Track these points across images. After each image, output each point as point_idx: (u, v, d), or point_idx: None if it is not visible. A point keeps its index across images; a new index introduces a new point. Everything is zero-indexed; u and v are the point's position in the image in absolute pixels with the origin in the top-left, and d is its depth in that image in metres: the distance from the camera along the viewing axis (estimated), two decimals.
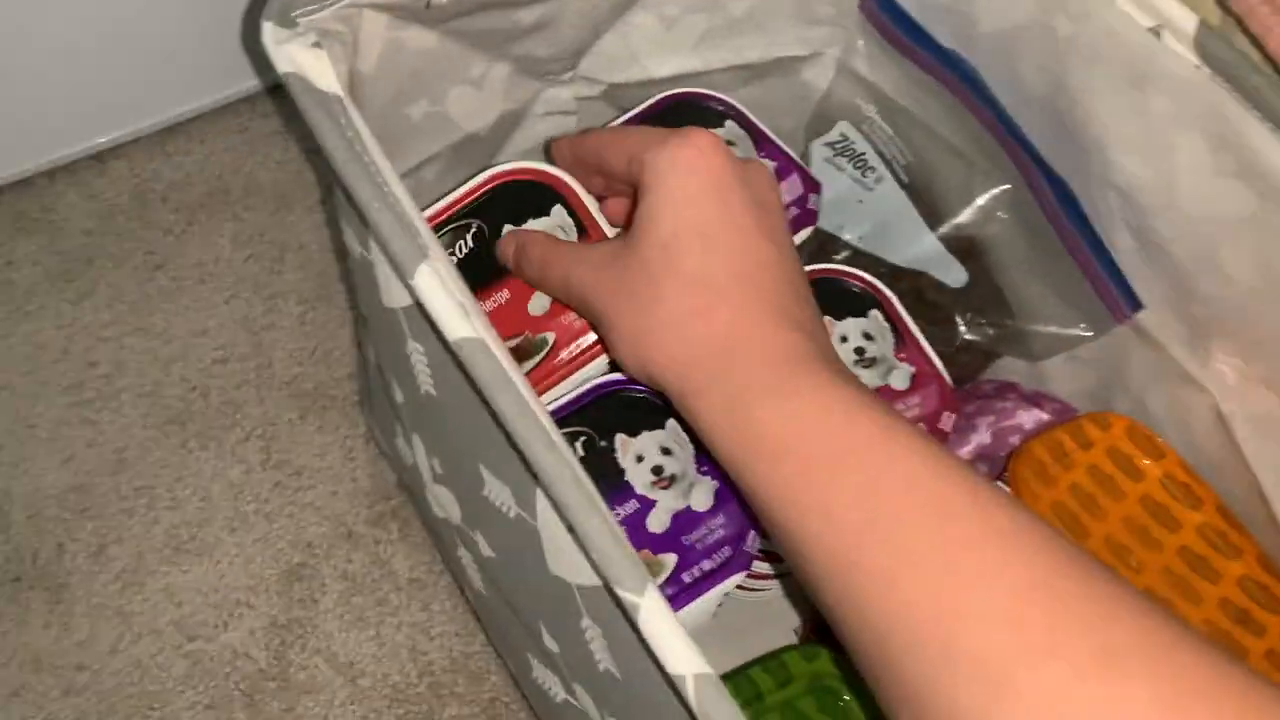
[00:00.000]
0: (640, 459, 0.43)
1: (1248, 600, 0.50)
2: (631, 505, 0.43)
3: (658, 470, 0.43)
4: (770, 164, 0.53)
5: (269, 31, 0.38)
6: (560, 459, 0.31)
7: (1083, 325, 0.54)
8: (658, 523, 0.42)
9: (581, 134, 0.47)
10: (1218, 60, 0.41)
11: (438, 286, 0.34)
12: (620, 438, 0.43)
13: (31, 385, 0.61)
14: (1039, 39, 0.48)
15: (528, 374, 0.45)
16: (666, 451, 0.43)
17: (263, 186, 0.67)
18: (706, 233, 0.37)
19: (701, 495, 0.43)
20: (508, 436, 0.32)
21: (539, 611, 0.41)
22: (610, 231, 0.48)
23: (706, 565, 0.42)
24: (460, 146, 0.55)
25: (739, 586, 0.49)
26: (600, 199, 0.48)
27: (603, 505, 0.31)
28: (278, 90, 0.70)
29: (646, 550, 0.42)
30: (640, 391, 0.44)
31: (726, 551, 0.42)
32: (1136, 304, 0.51)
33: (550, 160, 0.49)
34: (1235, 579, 0.50)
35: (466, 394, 0.37)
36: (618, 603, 0.30)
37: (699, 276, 0.37)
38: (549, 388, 0.45)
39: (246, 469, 0.60)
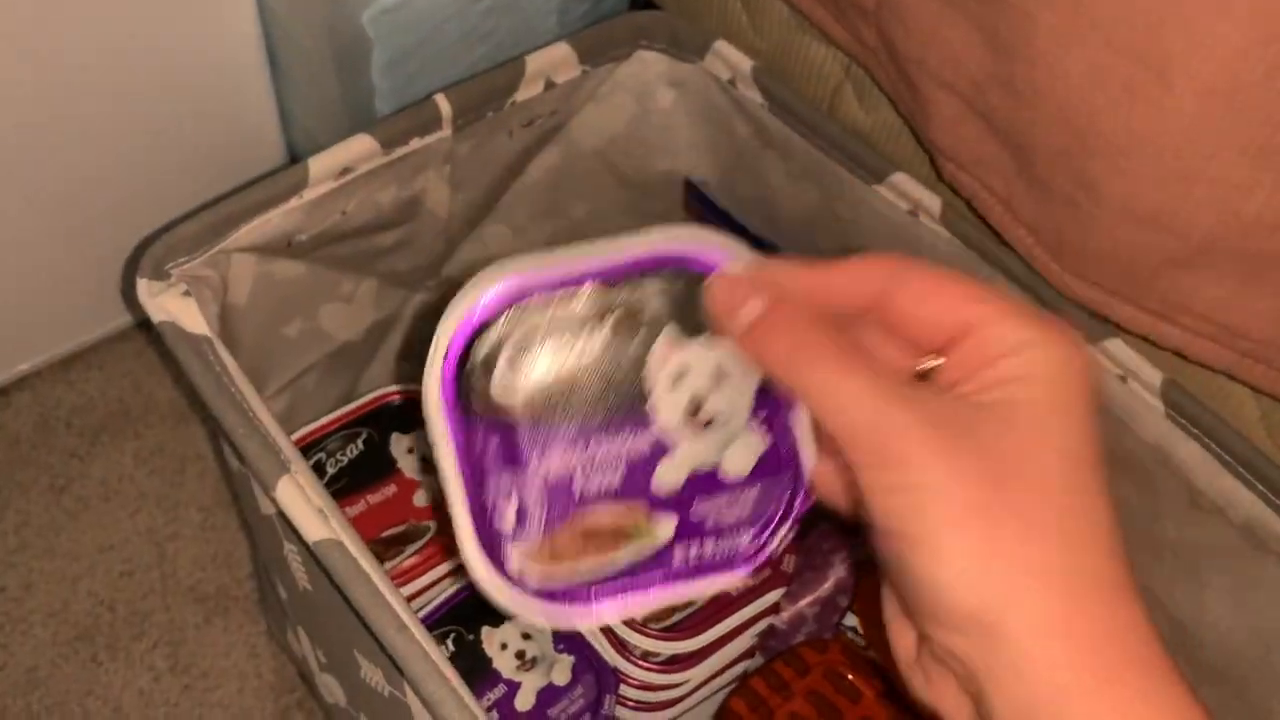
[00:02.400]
0: (504, 646, 0.48)
1: None
2: (500, 690, 0.47)
3: (520, 655, 0.47)
4: None
5: (143, 286, 0.44)
6: (410, 638, 0.36)
7: None
8: (524, 702, 0.47)
9: (817, 269, 0.31)
10: (963, 234, 0.49)
11: (298, 495, 0.39)
12: (485, 629, 0.48)
13: None
14: (828, 223, 0.56)
15: (411, 555, 0.50)
16: (527, 636, 0.48)
17: (161, 404, 0.72)
18: (1085, 476, 0.28)
19: (561, 671, 0.47)
20: (363, 623, 0.37)
21: None
22: None
23: None
24: (336, 354, 0.61)
25: None
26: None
27: (454, 676, 0.36)
28: None
29: None
30: None
31: (587, 718, 0.47)
32: None
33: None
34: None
35: (333, 589, 0.41)
36: None
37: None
38: (433, 567, 0.50)
39: (155, 676, 0.63)
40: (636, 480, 0.32)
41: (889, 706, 0.55)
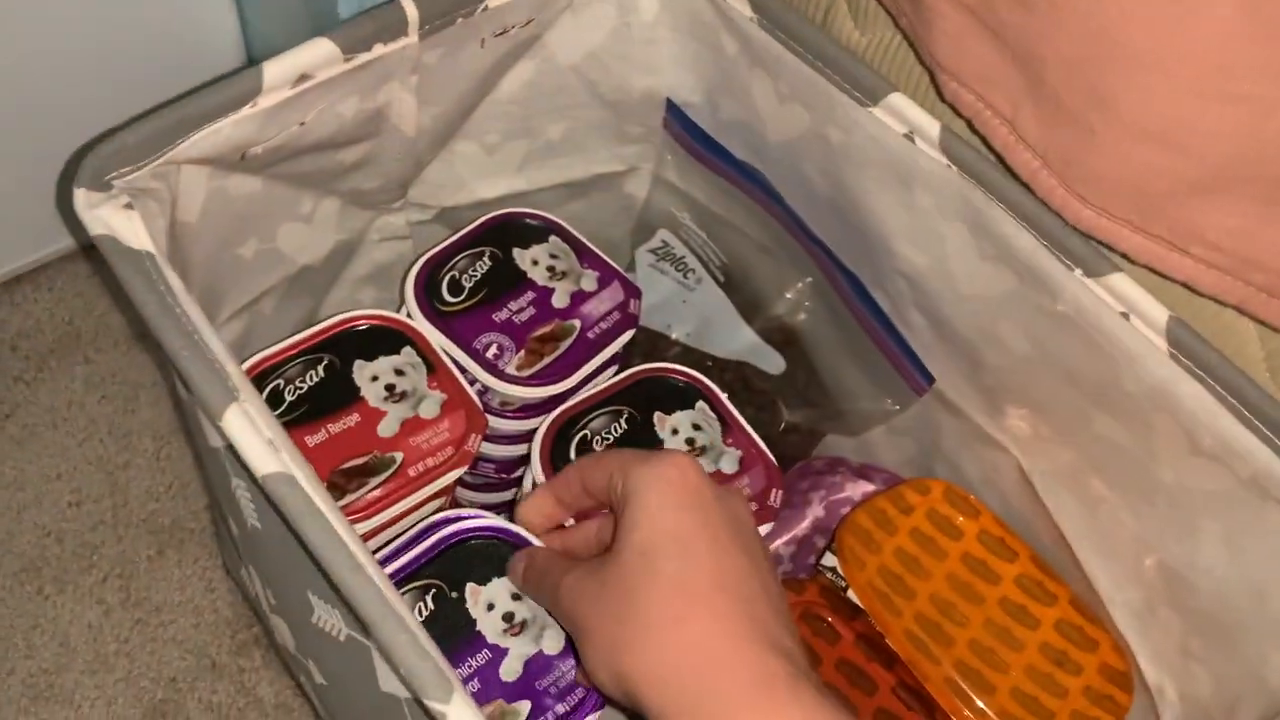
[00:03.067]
0: (491, 607, 0.45)
1: (1065, 642, 0.53)
2: (484, 655, 0.44)
3: (509, 617, 0.45)
4: (593, 274, 0.57)
5: (80, 197, 0.40)
6: (366, 580, 0.33)
7: (889, 400, 0.58)
8: (510, 671, 0.44)
9: (559, 474, 0.46)
10: (961, 159, 0.46)
11: (246, 426, 0.36)
12: (470, 587, 0.45)
13: None
14: (816, 147, 0.53)
15: (375, 488, 0.47)
16: (516, 598, 0.45)
17: (114, 328, 0.69)
18: (685, 540, 0.38)
19: (553, 639, 0.45)
20: (316, 562, 0.34)
21: None
22: (452, 369, 0.51)
23: (560, 709, 0.44)
24: (296, 278, 0.57)
25: None
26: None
27: (409, 616, 0.33)
28: None
29: (500, 700, 0.44)
30: (488, 538, 0.47)
31: (579, 693, 0.44)
32: (929, 377, 0.55)
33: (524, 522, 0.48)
34: (1052, 623, 0.54)
35: (283, 527, 0.39)
36: (428, 714, 0.32)
37: (678, 582, 0.37)
38: (398, 499, 0.48)
39: (106, 609, 0.60)
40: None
41: (868, 648, 0.54)
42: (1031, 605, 0.54)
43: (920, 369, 0.55)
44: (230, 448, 0.39)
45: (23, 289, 0.69)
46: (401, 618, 0.33)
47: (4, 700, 0.57)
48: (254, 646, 0.60)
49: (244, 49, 0.68)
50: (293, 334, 0.60)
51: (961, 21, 0.42)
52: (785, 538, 0.60)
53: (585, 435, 0.52)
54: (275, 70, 0.45)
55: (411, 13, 0.48)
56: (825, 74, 0.50)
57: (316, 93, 0.47)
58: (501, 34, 0.53)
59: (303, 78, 0.46)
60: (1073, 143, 0.41)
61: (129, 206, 0.41)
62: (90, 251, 0.71)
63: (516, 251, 0.57)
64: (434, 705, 0.32)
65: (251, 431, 0.36)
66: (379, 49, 0.48)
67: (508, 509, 0.59)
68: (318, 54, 0.46)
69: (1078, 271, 0.44)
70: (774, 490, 0.52)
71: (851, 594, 0.52)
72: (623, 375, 0.55)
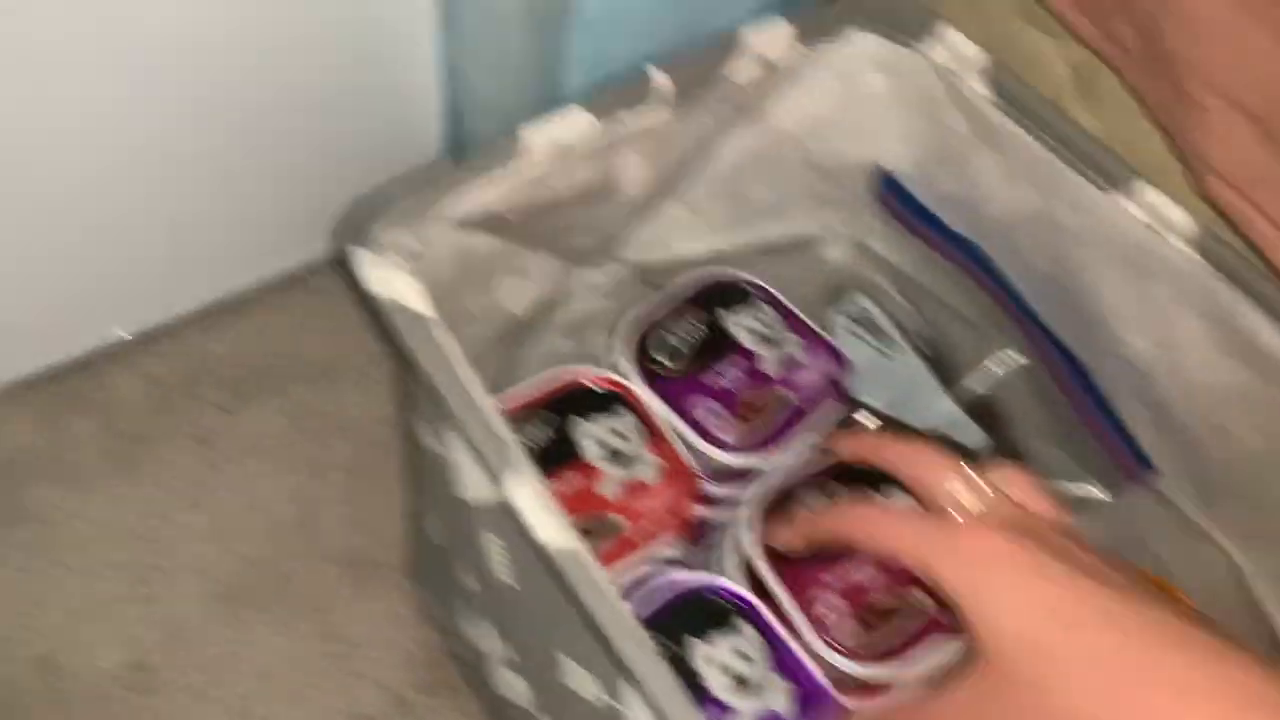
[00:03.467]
0: (714, 663, 0.45)
1: None
2: (712, 713, 0.44)
3: (732, 673, 0.45)
4: (801, 341, 0.57)
5: (363, 258, 0.42)
6: (655, 663, 0.34)
7: (1098, 485, 0.57)
8: None
9: (807, 518, 0.45)
10: (1213, 255, 0.46)
11: (529, 495, 0.37)
12: (693, 642, 0.45)
13: (91, 564, 0.63)
14: (1043, 227, 0.53)
15: (600, 552, 0.48)
16: (742, 656, 0.45)
17: (310, 361, 0.71)
18: (1055, 656, 0.31)
19: (778, 698, 0.45)
20: (600, 638, 0.35)
21: None
22: (669, 434, 0.52)
23: None
24: (507, 328, 0.59)
25: None
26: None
27: (684, 696, 0.34)
28: (324, 267, 0.74)
29: None
30: (714, 594, 0.47)
31: None
32: (1147, 465, 0.54)
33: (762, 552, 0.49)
34: None
35: (551, 590, 0.39)
36: None
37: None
38: (618, 563, 0.48)
39: (299, 639, 0.62)
40: None
41: None
42: None
43: (1138, 455, 0.54)
44: (498, 507, 0.40)
45: (225, 318, 0.72)
46: (680, 694, 0.34)
47: None
48: (442, 686, 0.61)
49: (444, 98, 0.70)
50: (497, 380, 0.61)
51: (1240, 124, 0.42)
52: None
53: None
54: (533, 138, 0.46)
55: (659, 83, 0.49)
56: (1063, 155, 0.50)
57: (565, 160, 0.48)
58: (729, 102, 0.54)
59: (556, 144, 0.47)
60: None
61: (406, 270, 0.43)
62: (289, 284, 0.73)
63: (726, 315, 0.58)
64: None
65: (538, 503, 0.37)
66: (626, 118, 0.49)
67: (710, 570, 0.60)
68: (574, 123, 0.47)
69: None
70: None
71: None
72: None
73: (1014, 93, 0.51)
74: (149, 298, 0.70)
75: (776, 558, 0.49)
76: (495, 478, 0.38)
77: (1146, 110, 0.49)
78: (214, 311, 0.72)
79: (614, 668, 0.36)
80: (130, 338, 0.70)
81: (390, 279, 0.42)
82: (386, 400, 0.70)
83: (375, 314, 0.43)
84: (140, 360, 0.70)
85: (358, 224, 0.44)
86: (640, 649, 0.34)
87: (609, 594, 0.35)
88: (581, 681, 0.41)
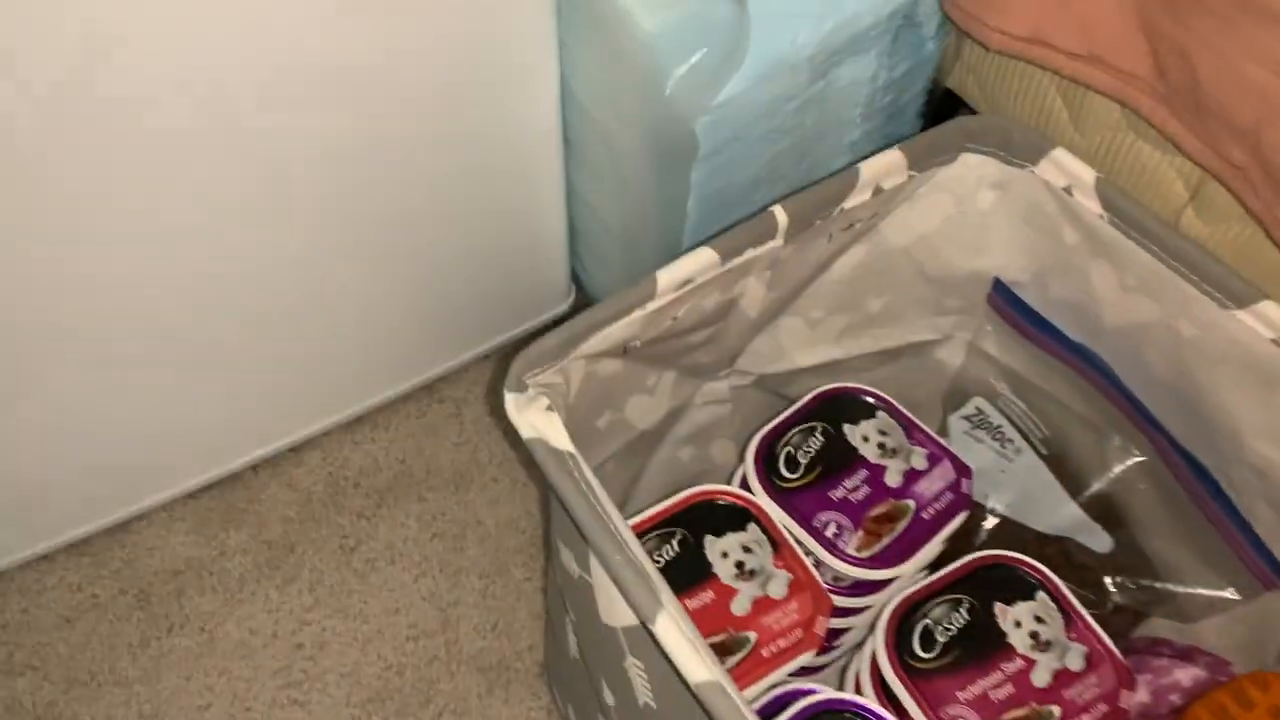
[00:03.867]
0: None
1: None
2: None
3: None
4: (922, 451, 0.58)
5: (511, 401, 0.45)
6: None
7: (1230, 589, 0.57)
8: None
9: None
10: None
11: (675, 633, 0.39)
12: None
13: (246, 669, 0.67)
14: (1164, 338, 0.53)
15: (733, 668, 0.50)
16: None
17: (442, 468, 0.75)
18: None
19: None
20: None
21: None
22: (795, 548, 0.54)
23: None
24: (633, 442, 0.61)
25: None
26: None
27: None
28: (450, 378, 0.78)
29: None
30: (849, 711, 0.48)
31: None
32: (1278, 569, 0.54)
33: None
34: None
35: (693, 715, 0.41)
36: None
37: None
38: (753, 681, 0.50)
39: None
40: None
41: None
42: None
43: (1270, 560, 0.54)
44: (639, 632, 0.42)
45: (362, 429, 0.76)
46: None
47: None
48: None
49: (565, 231, 0.74)
50: (623, 490, 0.64)
51: None
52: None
53: (928, 624, 0.53)
54: (667, 277, 0.49)
55: (782, 220, 0.51)
56: (1182, 273, 0.50)
57: (692, 293, 0.51)
58: (848, 228, 0.56)
59: (686, 282, 0.50)
60: None
61: (550, 409, 0.46)
62: (420, 393, 0.77)
63: (847, 427, 0.59)
64: None
65: (681, 638, 0.39)
66: (750, 253, 0.51)
67: (834, 678, 0.61)
68: (702, 261, 0.50)
69: None
70: (1123, 690, 0.52)
71: None
72: (960, 563, 0.55)
73: (1125, 210, 0.52)
74: (294, 414, 0.75)
75: (910, 672, 0.50)
76: (641, 614, 0.40)
77: (1263, 225, 0.49)
78: (352, 424, 0.76)
79: None
80: (278, 451, 0.74)
81: (536, 419, 0.44)
82: (515, 505, 0.74)
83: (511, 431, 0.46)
84: (287, 471, 0.75)
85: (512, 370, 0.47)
86: None
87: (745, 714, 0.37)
88: None
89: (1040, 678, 0.51)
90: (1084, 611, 0.54)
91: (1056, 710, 0.50)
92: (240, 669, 0.67)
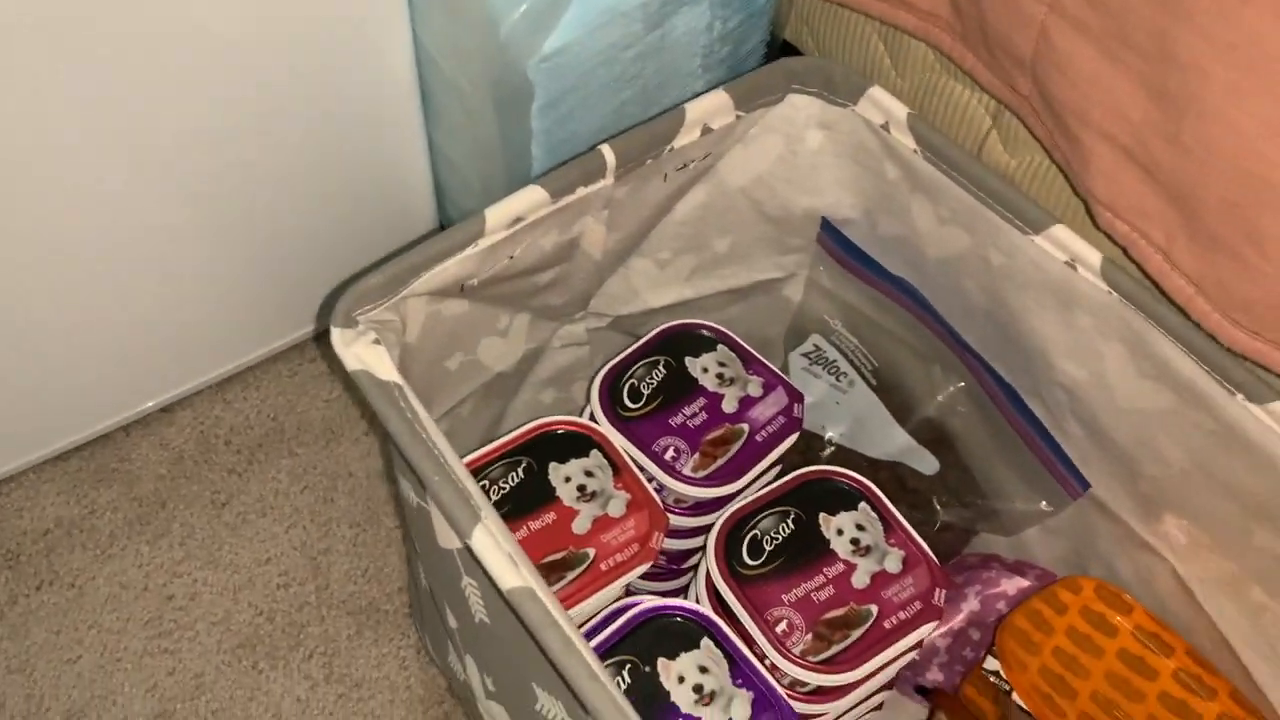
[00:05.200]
0: (681, 679, 0.49)
1: None
2: None
3: (698, 688, 0.49)
4: (758, 380, 0.61)
5: (337, 335, 0.47)
6: (601, 688, 0.38)
7: (1044, 502, 0.60)
8: None
9: None
10: (1121, 286, 0.50)
11: (490, 543, 0.41)
12: (662, 661, 0.50)
13: (116, 622, 0.68)
14: (976, 266, 0.57)
15: (571, 582, 0.52)
16: (704, 670, 0.50)
17: (313, 423, 0.76)
18: None
19: (740, 707, 0.49)
20: (554, 668, 0.39)
21: None
22: (635, 470, 0.56)
23: None
24: (490, 384, 0.63)
25: None
26: None
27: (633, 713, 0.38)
28: (321, 337, 0.79)
29: None
30: (676, 615, 0.51)
31: None
32: (1085, 484, 0.58)
33: None
34: (1214, 717, 0.55)
35: (518, 626, 0.43)
36: None
37: None
38: (591, 594, 0.52)
39: (312, 684, 0.66)
40: None
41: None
42: (1192, 700, 0.56)
43: (1075, 474, 0.58)
44: (471, 557, 0.44)
45: (234, 389, 0.77)
46: (629, 716, 0.38)
47: None
48: None
49: (432, 178, 0.75)
50: (485, 433, 0.66)
51: (1116, 159, 0.46)
52: (941, 631, 0.63)
53: (755, 535, 0.56)
54: (496, 215, 0.51)
55: (610, 159, 0.53)
56: (988, 203, 0.54)
57: (526, 231, 0.53)
58: (682, 168, 0.58)
59: (517, 220, 0.52)
60: (1228, 275, 0.44)
61: (377, 342, 0.47)
62: (291, 353, 0.78)
63: (688, 360, 0.62)
64: None
65: (495, 548, 0.41)
66: (580, 191, 0.53)
67: (678, 596, 0.63)
68: (531, 199, 0.52)
69: (1239, 396, 0.47)
70: (938, 589, 0.55)
71: (1016, 697, 0.55)
72: (788, 478, 0.59)
73: (937, 145, 0.55)
74: (164, 374, 0.75)
75: (738, 579, 0.53)
76: (459, 529, 0.42)
77: (1046, 151, 0.53)
78: (223, 383, 0.77)
79: (574, 700, 0.40)
80: (148, 410, 0.75)
81: (362, 352, 0.46)
82: (384, 457, 0.75)
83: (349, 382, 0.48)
84: (158, 431, 0.75)
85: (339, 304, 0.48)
86: (584, 670, 0.38)
87: (565, 627, 0.39)
88: (552, 709, 0.45)
89: (860, 580, 0.54)
90: (901, 519, 0.57)
91: (874, 608, 0.53)
92: (110, 621, 0.68)
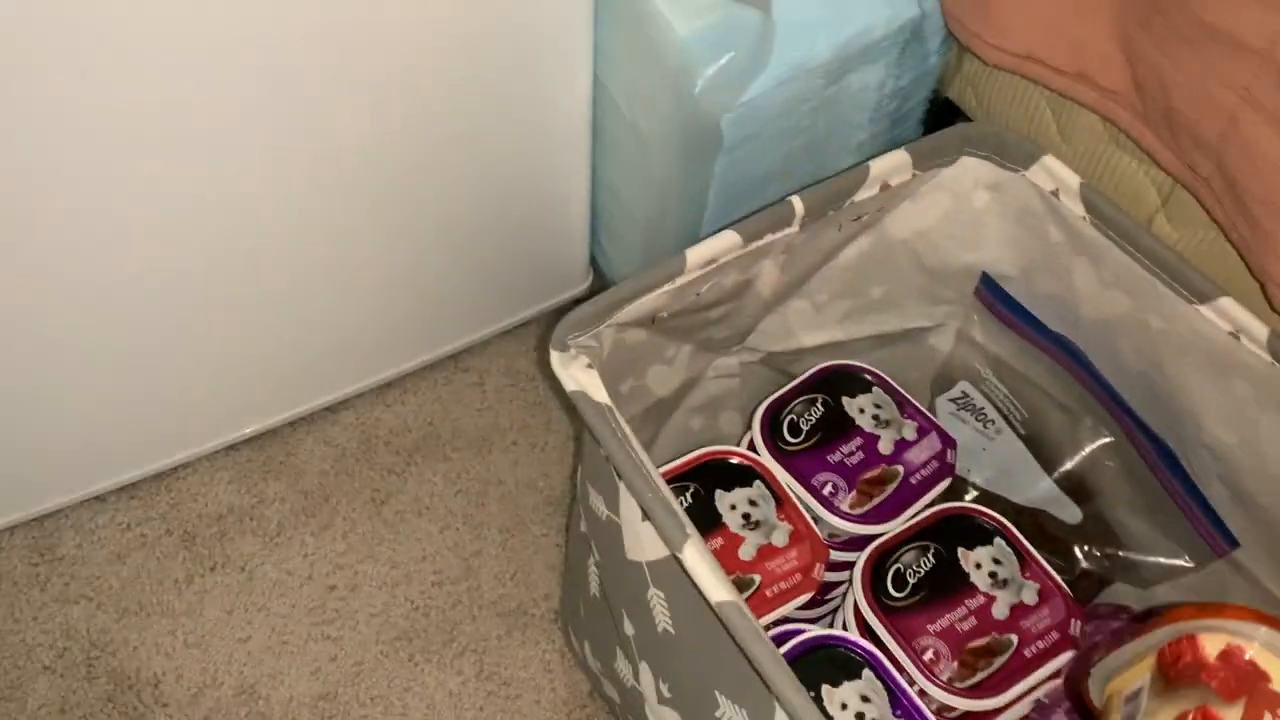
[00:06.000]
0: (844, 706, 0.52)
1: None
2: None
3: (859, 717, 0.52)
4: (913, 424, 0.65)
5: (556, 358, 0.51)
6: (805, 700, 0.41)
7: (1185, 557, 0.63)
8: None
9: None
10: None
11: (700, 559, 0.45)
12: (826, 689, 0.53)
13: (283, 606, 0.73)
14: (1135, 329, 0.60)
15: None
16: (865, 699, 0.53)
17: (466, 431, 0.80)
18: None
19: None
20: (758, 674, 0.43)
21: None
22: (796, 503, 0.60)
23: None
24: (651, 408, 0.67)
25: None
26: None
27: None
28: (473, 350, 0.84)
29: None
30: (839, 645, 0.54)
31: None
32: (1233, 542, 0.60)
33: None
34: None
35: (709, 636, 0.47)
36: None
37: None
38: (757, 619, 0.56)
39: (463, 680, 0.71)
40: None
41: None
42: None
43: (1223, 531, 0.60)
44: (665, 563, 0.48)
45: (393, 393, 0.82)
46: None
47: None
48: None
49: (589, 218, 0.80)
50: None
51: None
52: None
53: (899, 568, 0.59)
54: (695, 255, 0.55)
55: (799, 209, 0.57)
56: (1153, 271, 0.57)
57: (715, 271, 0.57)
58: (856, 219, 0.62)
59: (711, 261, 0.56)
60: None
61: (590, 366, 0.52)
62: (447, 362, 0.83)
63: (845, 400, 0.65)
64: None
65: (704, 563, 0.45)
66: (769, 237, 0.57)
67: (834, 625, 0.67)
68: (726, 243, 0.56)
69: None
70: (1074, 620, 0.58)
71: None
72: (928, 513, 0.62)
73: (1105, 213, 0.58)
74: (331, 376, 0.80)
75: (885, 610, 0.57)
76: (671, 545, 0.46)
77: (1224, 231, 0.56)
78: (383, 388, 0.82)
79: (768, 700, 0.44)
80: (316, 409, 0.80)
81: (578, 375, 0.50)
82: (533, 467, 0.79)
83: (564, 399, 0.52)
84: (323, 429, 0.80)
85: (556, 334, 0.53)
86: (791, 682, 0.42)
87: (764, 638, 0.43)
88: (734, 715, 0.49)
89: (999, 611, 0.57)
90: (1036, 554, 0.60)
91: (1014, 638, 0.56)
92: (278, 605, 0.73)
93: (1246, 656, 0.44)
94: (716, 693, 0.49)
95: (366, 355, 0.81)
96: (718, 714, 0.50)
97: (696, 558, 0.45)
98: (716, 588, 0.44)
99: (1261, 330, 0.53)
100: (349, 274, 0.74)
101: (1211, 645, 0.45)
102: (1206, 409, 0.58)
